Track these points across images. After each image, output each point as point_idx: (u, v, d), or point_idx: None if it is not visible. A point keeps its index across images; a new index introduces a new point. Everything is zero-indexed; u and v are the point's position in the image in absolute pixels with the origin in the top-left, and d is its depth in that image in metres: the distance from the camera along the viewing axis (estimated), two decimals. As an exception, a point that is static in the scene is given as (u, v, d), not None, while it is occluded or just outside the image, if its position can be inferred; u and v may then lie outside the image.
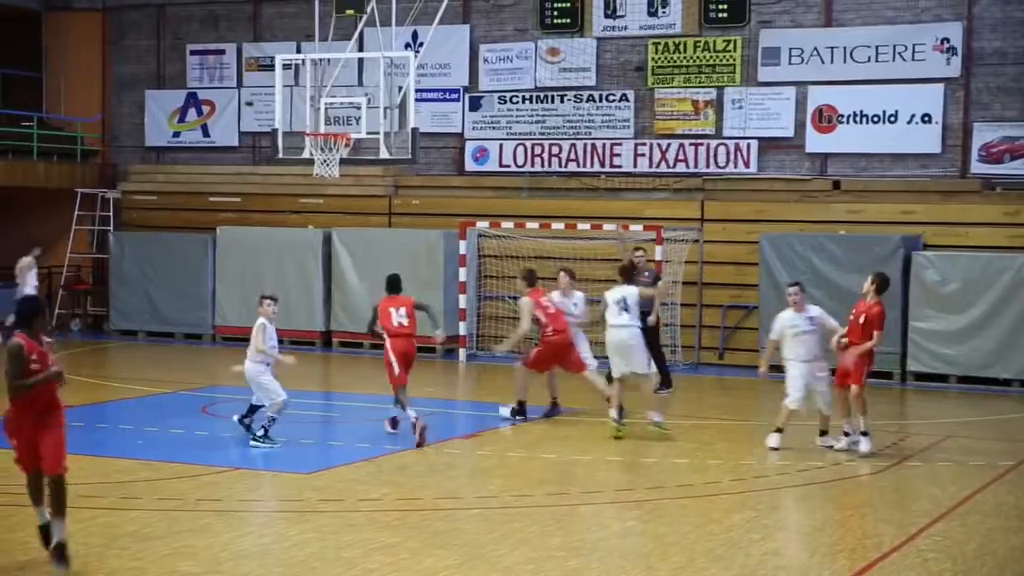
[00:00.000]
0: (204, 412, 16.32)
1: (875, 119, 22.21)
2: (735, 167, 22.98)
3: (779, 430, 14.51)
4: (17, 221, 27.67)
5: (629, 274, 15.89)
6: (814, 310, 14.79)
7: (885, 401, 19.05)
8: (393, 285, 15.32)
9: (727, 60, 22.98)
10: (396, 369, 14.69)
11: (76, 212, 26.51)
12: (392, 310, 14.93)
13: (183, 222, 26.11)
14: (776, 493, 12.45)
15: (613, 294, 15.53)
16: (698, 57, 23.17)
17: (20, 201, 27.41)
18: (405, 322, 14.88)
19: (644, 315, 18.57)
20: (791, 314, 14.61)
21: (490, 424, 15.91)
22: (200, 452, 14.10)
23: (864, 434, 14.22)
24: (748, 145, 22.88)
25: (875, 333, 14.17)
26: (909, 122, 21.99)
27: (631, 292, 15.47)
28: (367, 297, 22.55)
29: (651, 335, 18.81)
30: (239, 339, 23.94)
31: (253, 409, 14.59)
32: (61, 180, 26.88)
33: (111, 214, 26.83)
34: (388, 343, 14.81)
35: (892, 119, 22.10)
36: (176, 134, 27.48)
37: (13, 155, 26.20)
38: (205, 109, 27.19)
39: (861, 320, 14.35)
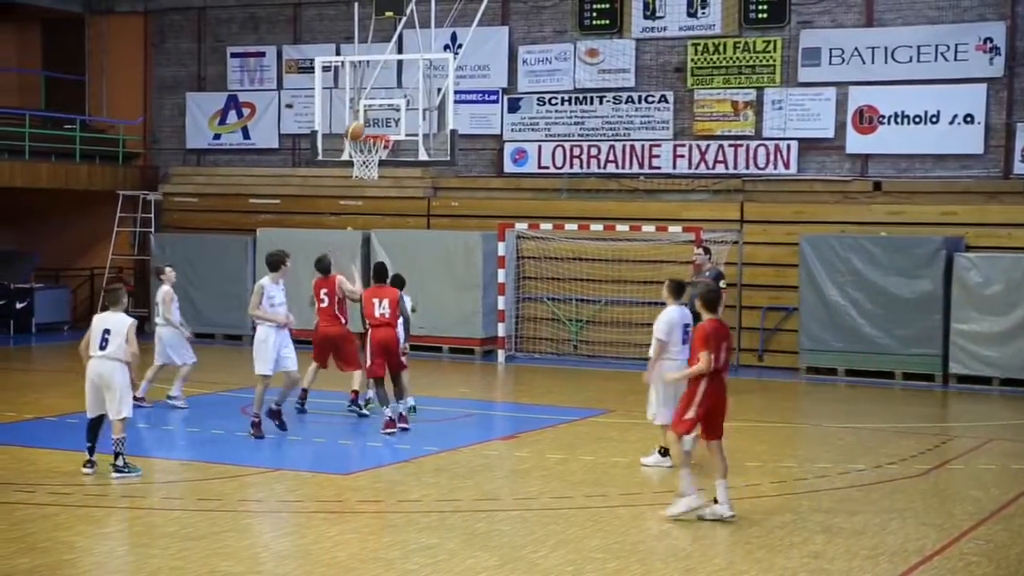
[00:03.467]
0: (244, 413, 16.37)
1: (916, 120, 22.05)
2: (775, 168, 22.88)
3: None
4: (61, 222, 27.94)
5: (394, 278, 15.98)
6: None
7: (927, 403, 18.96)
8: (380, 275, 15.71)
9: (767, 61, 22.87)
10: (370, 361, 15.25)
11: (118, 214, 26.71)
12: (375, 301, 15.32)
13: (223, 224, 26.26)
14: (816, 496, 12.37)
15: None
16: (738, 58, 23.08)
17: (63, 203, 27.66)
18: (387, 313, 15.28)
19: None
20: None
21: (529, 426, 15.88)
22: (240, 452, 14.17)
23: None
24: (788, 146, 22.77)
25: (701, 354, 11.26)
26: (951, 123, 21.81)
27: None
28: (406, 299, 22.61)
29: None
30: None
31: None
32: (103, 182, 27.10)
33: (152, 216, 27.02)
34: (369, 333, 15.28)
35: (934, 120, 21.93)
36: (216, 136, 27.64)
37: (56, 157, 26.43)
38: (245, 111, 27.33)
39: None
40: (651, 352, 12.86)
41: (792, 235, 21.65)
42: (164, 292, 17.00)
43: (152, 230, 26.81)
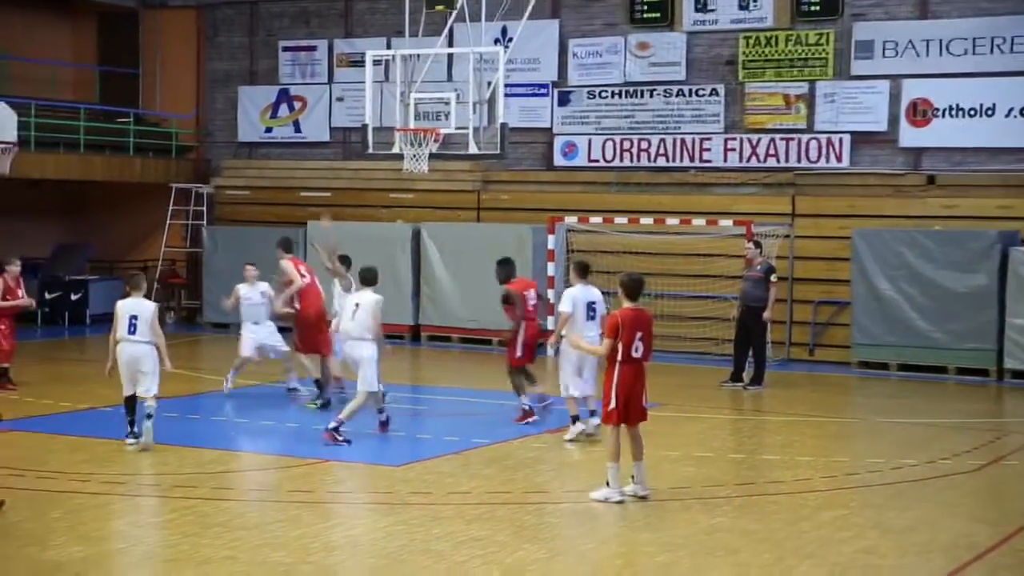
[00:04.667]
0: (294, 404, 16.46)
1: (971, 112, 21.81)
2: (827, 162, 22.71)
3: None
4: (115, 215, 28.23)
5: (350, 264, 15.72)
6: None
7: (980, 399, 18.76)
8: (512, 268, 15.68)
9: (819, 54, 22.70)
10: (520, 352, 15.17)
11: (170, 206, 26.94)
12: (527, 294, 15.42)
13: (274, 216, 26.40)
14: (868, 491, 12.27)
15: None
16: (790, 51, 22.92)
17: (117, 196, 27.94)
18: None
19: (760, 309, 18.50)
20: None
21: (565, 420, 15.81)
22: (290, 444, 14.26)
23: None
24: (840, 139, 22.59)
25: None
26: (1007, 115, 21.54)
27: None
28: (456, 291, 22.65)
29: (760, 328, 18.67)
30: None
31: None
32: (156, 175, 27.34)
33: (204, 208, 27.23)
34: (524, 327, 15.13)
35: (989, 112, 21.67)
36: (268, 129, 27.79)
37: (111, 151, 26.69)
38: (296, 105, 27.47)
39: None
40: (556, 326, 14.15)
41: (844, 229, 21.49)
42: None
43: (204, 223, 27.01)
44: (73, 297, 25.97)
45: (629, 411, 11.43)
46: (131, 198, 27.92)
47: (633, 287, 11.55)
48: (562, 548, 9.97)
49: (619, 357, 11.28)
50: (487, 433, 14.75)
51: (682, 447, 14.10)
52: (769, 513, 11.22)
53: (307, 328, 16.33)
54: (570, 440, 14.21)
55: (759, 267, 18.82)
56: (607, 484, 11.36)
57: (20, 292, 17.74)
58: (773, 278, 18.85)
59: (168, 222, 27.04)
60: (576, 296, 13.88)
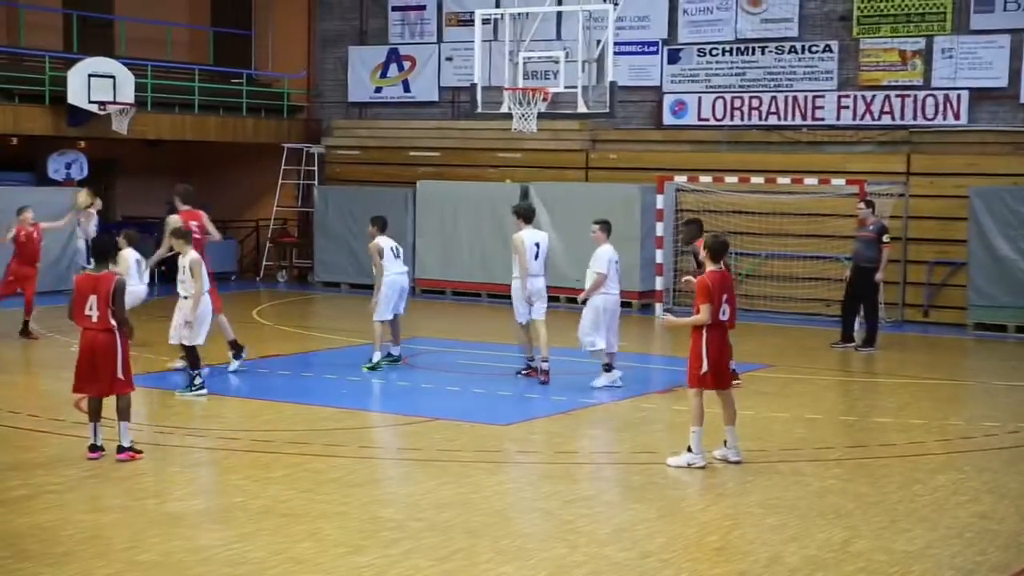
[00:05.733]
0: (404, 363, 16.63)
1: (1096, 67, 21.15)
2: (944, 119, 22.20)
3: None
4: (228, 175, 28.64)
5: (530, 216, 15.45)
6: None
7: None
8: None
9: (937, 8, 22.16)
10: None
11: (282, 166, 27.26)
12: None
13: (384, 176, 26.59)
14: (984, 455, 12.05)
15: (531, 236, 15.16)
16: (906, 5, 22.40)
17: (231, 156, 28.34)
18: None
19: (872, 270, 18.22)
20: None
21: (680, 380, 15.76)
22: (401, 402, 14.41)
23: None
24: (958, 96, 22.06)
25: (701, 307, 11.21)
26: None
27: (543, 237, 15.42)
28: (564, 251, 22.62)
29: (871, 289, 18.38)
30: (438, 292, 24.38)
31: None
32: (268, 135, 27.68)
33: (316, 168, 27.52)
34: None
35: (1115, 67, 21.01)
36: (378, 89, 27.95)
37: (224, 111, 27.07)
38: (406, 64, 27.57)
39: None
40: (587, 284, 14.56)
41: (960, 187, 21.03)
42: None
43: (316, 182, 27.30)
44: (189, 256, 26.43)
45: (720, 375, 11.30)
46: (244, 158, 28.31)
47: (718, 249, 11.39)
48: (670, 508, 9.95)
49: (709, 321, 11.16)
50: (594, 393, 14.75)
51: (792, 408, 13.98)
52: (881, 476, 11.08)
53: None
54: (601, 387, 14.79)
55: (871, 227, 18.52)
56: (688, 449, 11.20)
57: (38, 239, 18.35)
58: (886, 238, 18.53)
59: (280, 182, 27.38)
60: (610, 255, 14.56)
